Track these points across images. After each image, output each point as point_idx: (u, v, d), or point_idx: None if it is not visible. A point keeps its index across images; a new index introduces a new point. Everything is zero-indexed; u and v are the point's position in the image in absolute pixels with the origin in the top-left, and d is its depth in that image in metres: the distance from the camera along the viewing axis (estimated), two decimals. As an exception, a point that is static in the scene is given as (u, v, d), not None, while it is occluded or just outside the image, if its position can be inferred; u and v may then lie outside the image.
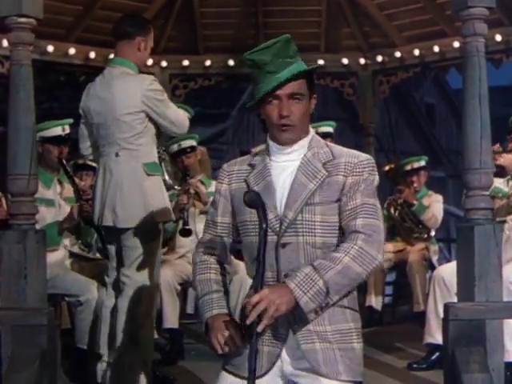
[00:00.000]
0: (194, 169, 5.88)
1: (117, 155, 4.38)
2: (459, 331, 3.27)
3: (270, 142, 2.73)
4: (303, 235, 2.61)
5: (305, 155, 2.68)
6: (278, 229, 2.62)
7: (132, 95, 4.34)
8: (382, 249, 2.61)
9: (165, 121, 4.41)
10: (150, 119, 4.39)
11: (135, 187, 4.32)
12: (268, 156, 2.73)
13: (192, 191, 5.75)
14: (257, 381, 2.47)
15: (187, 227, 5.50)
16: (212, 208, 2.83)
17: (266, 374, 2.62)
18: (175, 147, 5.84)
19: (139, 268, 4.39)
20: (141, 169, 4.35)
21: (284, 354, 2.64)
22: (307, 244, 2.61)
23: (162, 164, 4.85)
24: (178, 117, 4.47)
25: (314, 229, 2.61)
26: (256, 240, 2.51)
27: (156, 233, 4.43)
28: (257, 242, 2.48)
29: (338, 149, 2.75)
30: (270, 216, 2.59)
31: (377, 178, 2.71)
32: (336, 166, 2.65)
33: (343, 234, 2.63)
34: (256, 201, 2.49)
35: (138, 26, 4.50)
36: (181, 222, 5.60)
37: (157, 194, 4.39)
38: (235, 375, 2.67)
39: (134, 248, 4.39)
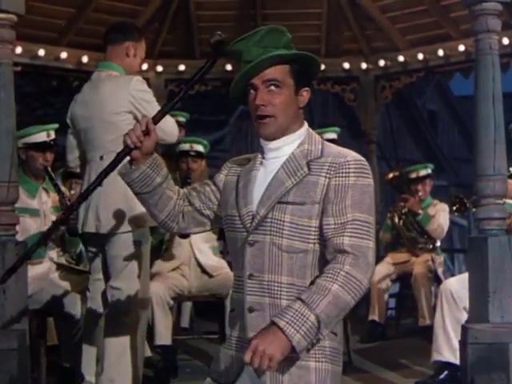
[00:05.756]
0: (195, 175, 5.70)
1: (101, 158, 4.18)
2: (478, 356, 3.02)
3: (260, 139, 2.59)
4: (271, 234, 2.43)
5: (293, 152, 2.51)
6: (248, 225, 2.47)
7: (119, 95, 4.17)
8: (369, 273, 2.37)
9: None
10: None
11: (119, 191, 4.03)
12: (261, 153, 2.58)
13: None
14: None
15: None
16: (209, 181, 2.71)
17: (238, 377, 2.47)
18: (186, 146, 5.72)
19: (128, 278, 4.15)
20: None
21: None
22: (273, 244, 2.43)
23: None
24: (167, 124, 4.18)
25: (282, 229, 2.43)
26: (235, 237, 2.50)
27: (143, 239, 4.20)
28: (236, 240, 2.49)
29: (332, 148, 2.52)
30: (243, 212, 2.49)
31: (368, 181, 2.44)
32: (320, 165, 2.44)
33: (325, 247, 2.41)
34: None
35: (128, 32, 4.38)
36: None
37: None
38: (217, 382, 2.55)
39: (120, 257, 4.16)
